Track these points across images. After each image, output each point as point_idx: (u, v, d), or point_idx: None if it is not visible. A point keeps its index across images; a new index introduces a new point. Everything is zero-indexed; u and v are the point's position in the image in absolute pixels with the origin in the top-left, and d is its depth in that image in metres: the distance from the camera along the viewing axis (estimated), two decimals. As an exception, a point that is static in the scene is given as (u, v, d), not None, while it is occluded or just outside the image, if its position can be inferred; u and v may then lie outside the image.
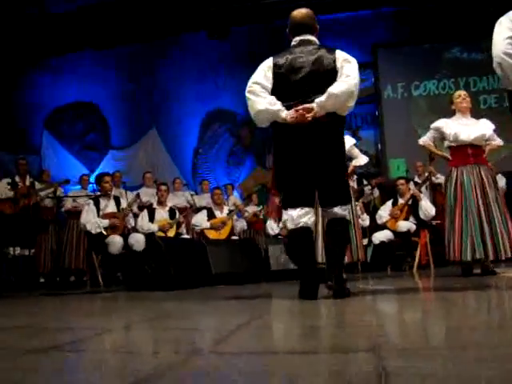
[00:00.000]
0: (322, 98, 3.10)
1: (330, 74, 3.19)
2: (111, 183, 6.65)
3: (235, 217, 7.59)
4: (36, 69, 11.05)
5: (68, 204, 7.79)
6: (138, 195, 7.02)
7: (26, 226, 7.10)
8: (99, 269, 6.34)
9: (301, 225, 3.26)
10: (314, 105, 3.11)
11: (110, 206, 6.60)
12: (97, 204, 6.52)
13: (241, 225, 7.67)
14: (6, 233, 7.10)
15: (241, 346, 1.57)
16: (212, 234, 7.19)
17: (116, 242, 6.21)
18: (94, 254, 6.39)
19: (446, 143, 5.02)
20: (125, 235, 6.37)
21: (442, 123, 5.03)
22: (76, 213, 7.72)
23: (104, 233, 6.32)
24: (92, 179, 8.00)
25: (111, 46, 10.60)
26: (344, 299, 3.04)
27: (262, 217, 8.56)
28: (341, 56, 3.21)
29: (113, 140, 11.13)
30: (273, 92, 3.26)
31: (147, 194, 8.10)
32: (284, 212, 3.38)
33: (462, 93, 5.09)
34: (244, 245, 6.79)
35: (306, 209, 3.23)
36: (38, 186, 7.48)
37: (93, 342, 1.81)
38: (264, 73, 3.31)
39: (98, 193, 6.85)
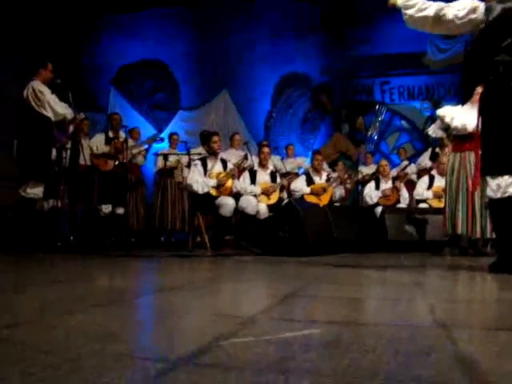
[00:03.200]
0: None
1: None
2: (219, 143, 6.34)
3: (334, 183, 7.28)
4: (101, 26, 10.68)
5: (159, 163, 7.52)
6: (246, 156, 6.72)
7: (120, 183, 6.85)
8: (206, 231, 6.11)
9: (508, 194, 3.05)
10: None
11: (217, 167, 6.33)
12: (204, 164, 6.26)
13: (340, 192, 7.39)
14: (101, 190, 6.88)
15: None
16: (312, 200, 6.91)
17: (229, 203, 5.96)
18: (200, 214, 6.15)
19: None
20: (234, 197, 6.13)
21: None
22: (169, 172, 7.51)
23: (212, 193, 6.08)
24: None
25: (181, 4, 10.24)
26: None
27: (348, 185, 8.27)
28: None
29: (182, 100, 10.79)
30: None
31: (235, 156, 7.79)
32: (488, 179, 3.15)
33: None
34: (361, 213, 6.52)
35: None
36: (130, 142, 7.19)
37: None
38: None
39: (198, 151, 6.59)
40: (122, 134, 7.09)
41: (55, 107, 5.06)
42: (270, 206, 6.45)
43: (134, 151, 7.19)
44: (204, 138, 6.37)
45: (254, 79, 10.35)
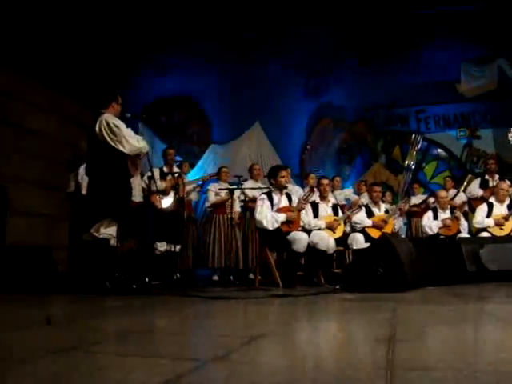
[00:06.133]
0: None
1: None
2: (288, 178, 6.16)
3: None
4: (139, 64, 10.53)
5: (212, 198, 7.30)
6: (312, 189, 6.53)
7: (175, 220, 6.62)
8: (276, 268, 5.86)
9: None
10: None
11: (283, 201, 6.14)
12: (270, 199, 6.06)
13: (399, 223, 7.21)
14: (156, 227, 6.64)
15: None
16: (374, 233, 6.72)
17: (302, 238, 5.75)
18: (269, 250, 5.92)
19: None
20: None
21: None
22: (221, 207, 7.30)
23: (282, 228, 5.87)
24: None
25: (215, 39, 10.16)
26: None
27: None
28: None
29: (214, 134, 10.64)
30: None
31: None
32: None
33: None
34: (440, 244, 6.33)
35: None
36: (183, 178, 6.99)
37: None
38: None
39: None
40: (176, 169, 6.91)
41: (132, 141, 4.82)
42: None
43: (188, 188, 6.98)
44: (272, 172, 6.17)
45: (287, 111, 10.24)
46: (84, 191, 6.49)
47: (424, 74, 9.52)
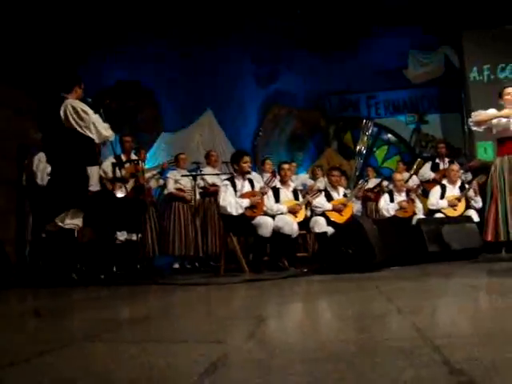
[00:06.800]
0: None
1: None
2: (250, 163, 6.15)
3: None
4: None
5: (170, 186, 7.20)
6: (274, 173, 6.54)
7: (134, 208, 6.50)
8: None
9: None
10: None
11: (246, 187, 6.13)
12: (233, 184, 6.04)
13: (357, 206, 7.35)
14: (115, 216, 6.49)
15: None
16: (334, 216, 6.81)
17: (268, 223, 5.77)
18: (233, 236, 5.91)
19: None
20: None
21: None
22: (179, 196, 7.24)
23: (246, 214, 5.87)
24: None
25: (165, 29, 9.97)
26: None
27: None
28: None
29: (165, 122, 10.47)
30: None
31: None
32: None
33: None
34: (400, 225, 6.49)
35: None
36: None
37: None
38: None
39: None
40: (134, 157, 6.77)
41: (100, 128, 4.65)
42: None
43: (147, 175, 6.86)
44: (234, 158, 6.13)
45: (238, 98, 10.20)
46: (40, 181, 6.27)
47: (374, 60, 9.69)
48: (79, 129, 4.58)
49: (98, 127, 4.65)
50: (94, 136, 4.63)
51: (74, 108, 4.60)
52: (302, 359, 1.25)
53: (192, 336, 1.73)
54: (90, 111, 4.67)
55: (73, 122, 4.57)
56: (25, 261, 7.32)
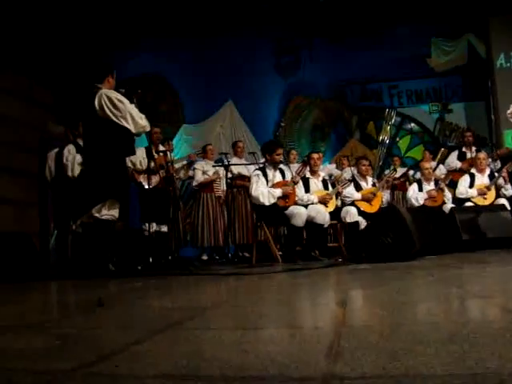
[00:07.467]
0: None
1: None
2: (282, 156, 6.12)
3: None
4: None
5: (199, 177, 7.17)
6: (304, 163, 6.49)
7: (164, 200, 6.48)
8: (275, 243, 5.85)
9: None
10: None
11: (278, 177, 6.10)
12: (264, 175, 6.00)
13: (386, 196, 7.29)
14: (145, 208, 6.47)
15: None
16: (364, 206, 6.76)
17: (302, 212, 5.74)
18: (266, 227, 5.88)
19: None
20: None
21: None
22: (207, 185, 7.21)
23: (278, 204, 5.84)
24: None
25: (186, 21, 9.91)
26: None
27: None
28: None
29: (186, 114, 10.43)
30: None
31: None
32: None
33: None
34: (431, 214, 6.44)
35: None
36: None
37: None
38: None
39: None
40: (162, 148, 6.75)
41: (137, 118, 4.61)
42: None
43: (177, 166, 6.84)
44: (267, 148, 6.10)
45: (260, 89, 10.13)
46: (70, 172, 6.23)
47: (396, 49, 9.58)
48: (115, 119, 4.50)
49: (135, 117, 4.60)
50: (130, 126, 4.57)
51: (109, 98, 4.52)
52: (421, 341, 1.21)
53: (285, 322, 1.71)
54: (126, 100, 4.60)
55: (108, 112, 4.49)
56: (48, 254, 7.35)
